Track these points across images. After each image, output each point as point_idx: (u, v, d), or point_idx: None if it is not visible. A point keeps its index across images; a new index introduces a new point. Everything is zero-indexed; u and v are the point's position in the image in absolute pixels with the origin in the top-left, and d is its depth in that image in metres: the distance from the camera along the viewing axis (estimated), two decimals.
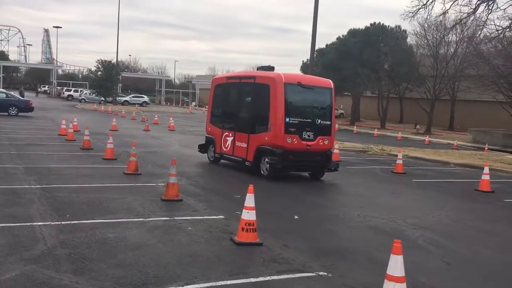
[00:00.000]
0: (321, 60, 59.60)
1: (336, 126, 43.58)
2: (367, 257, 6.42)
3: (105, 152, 14.33)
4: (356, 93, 55.79)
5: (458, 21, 25.43)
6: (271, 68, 13.51)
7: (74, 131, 19.85)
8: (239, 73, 15.18)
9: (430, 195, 11.96)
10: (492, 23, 34.08)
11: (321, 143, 12.39)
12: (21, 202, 8.11)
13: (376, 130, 41.89)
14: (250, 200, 6.60)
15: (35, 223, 6.83)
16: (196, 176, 12.37)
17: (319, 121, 12.51)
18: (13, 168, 11.49)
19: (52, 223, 6.93)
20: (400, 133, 38.84)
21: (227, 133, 13.92)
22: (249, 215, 6.54)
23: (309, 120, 12.43)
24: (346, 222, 8.27)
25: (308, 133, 12.18)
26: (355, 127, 45.57)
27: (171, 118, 32.45)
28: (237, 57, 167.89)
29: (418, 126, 48.08)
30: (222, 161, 14.47)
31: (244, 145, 13.05)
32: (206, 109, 16.20)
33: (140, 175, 11.64)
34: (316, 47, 29.05)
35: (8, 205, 7.82)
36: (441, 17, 27.21)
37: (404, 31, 52.92)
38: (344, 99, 71.61)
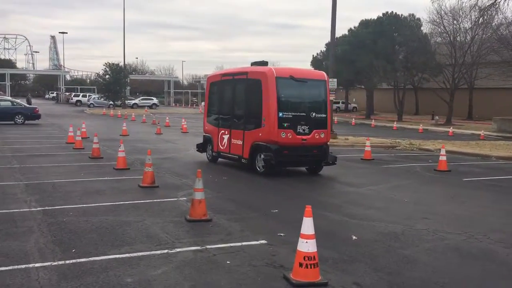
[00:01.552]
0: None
1: (353, 120, 42.57)
2: None
3: (117, 161, 12.86)
4: (371, 85, 53.87)
5: (493, 2, 23.60)
6: (264, 63, 13.19)
7: (82, 138, 18.46)
8: (232, 70, 14.80)
9: (494, 199, 10.30)
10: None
11: (317, 137, 12.17)
12: (17, 232, 6.62)
13: (395, 123, 40.19)
14: (308, 225, 5.02)
15: (31, 265, 5.32)
16: (220, 186, 10.82)
17: (314, 114, 12.21)
18: (12, 186, 10.04)
19: (54, 263, 5.41)
20: (421, 125, 37.15)
21: (223, 131, 13.77)
22: (308, 246, 4.97)
23: (304, 114, 12.15)
24: (418, 243, 6.66)
25: (303, 127, 11.96)
26: (372, 121, 43.85)
27: (183, 120, 31.01)
28: (244, 56, 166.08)
29: (437, 117, 46.23)
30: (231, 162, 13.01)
31: (240, 142, 12.88)
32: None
33: (157, 188, 10.13)
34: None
35: (1, 237, 6.34)
36: (474, 0, 25.35)
37: (418, 19, 50.93)
38: (357, 92, 69.74)
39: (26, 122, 29.17)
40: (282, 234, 6.79)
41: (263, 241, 6.47)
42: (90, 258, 5.59)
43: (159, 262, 5.56)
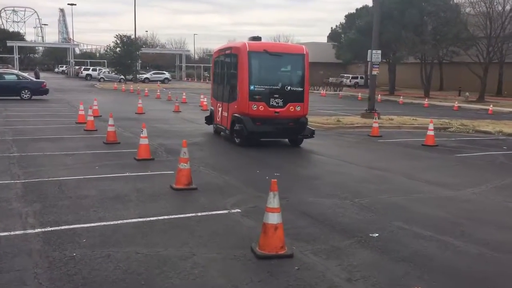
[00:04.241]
0: (355, 26, 54.36)
1: (379, 97, 39.52)
2: None
3: (138, 150, 10.41)
4: (397, 59, 50.54)
5: None
6: (258, 38, 13.30)
7: (94, 117, 16.00)
8: (224, 46, 15.25)
9: None
10: None
11: (292, 110, 12.29)
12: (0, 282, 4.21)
13: (426, 100, 37.40)
14: None
15: None
16: (283, 187, 8.26)
17: (289, 87, 12.36)
18: (6, 186, 7.61)
19: None
20: (456, 103, 34.35)
21: (219, 104, 14.25)
22: None
23: (277, 87, 12.25)
24: None
25: (276, 100, 12.13)
26: (400, 97, 40.95)
27: (201, 95, 28.45)
28: (255, 30, 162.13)
29: (467, 93, 43.19)
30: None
31: (226, 114, 13.32)
32: None
33: (195, 190, 7.68)
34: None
35: None
36: None
37: None
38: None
39: (33, 97, 26.75)
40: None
41: None
42: None
43: None
